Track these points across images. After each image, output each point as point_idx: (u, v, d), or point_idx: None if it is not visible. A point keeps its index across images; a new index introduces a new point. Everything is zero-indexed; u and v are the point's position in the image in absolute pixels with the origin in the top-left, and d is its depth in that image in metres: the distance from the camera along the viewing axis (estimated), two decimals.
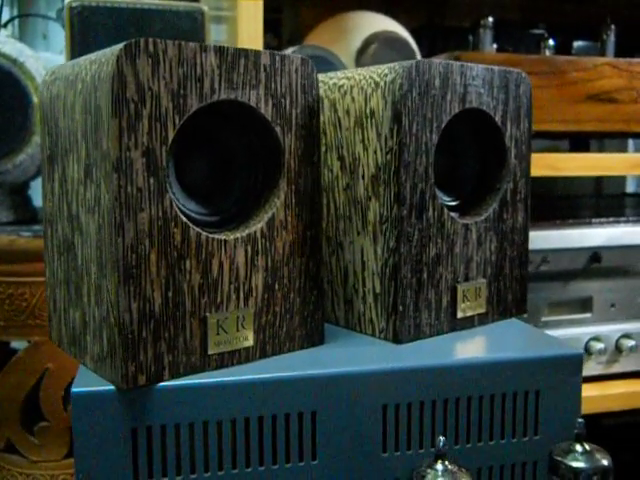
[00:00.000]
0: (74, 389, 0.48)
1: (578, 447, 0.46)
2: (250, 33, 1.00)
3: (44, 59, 1.06)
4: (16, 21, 1.40)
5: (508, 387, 0.55)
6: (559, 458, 0.46)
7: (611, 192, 1.70)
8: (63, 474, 0.99)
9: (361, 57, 1.11)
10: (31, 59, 0.99)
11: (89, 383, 0.49)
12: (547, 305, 1.04)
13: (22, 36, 1.42)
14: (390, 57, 1.10)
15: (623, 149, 1.63)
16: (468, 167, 0.65)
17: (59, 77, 0.53)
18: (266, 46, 1.03)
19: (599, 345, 1.04)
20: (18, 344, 1.08)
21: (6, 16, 1.31)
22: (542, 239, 1.01)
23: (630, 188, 1.73)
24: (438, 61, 0.58)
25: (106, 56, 0.46)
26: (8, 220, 1.04)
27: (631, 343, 1.04)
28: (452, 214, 0.61)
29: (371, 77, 0.58)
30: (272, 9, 1.30)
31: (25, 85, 0.98)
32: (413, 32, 1.23)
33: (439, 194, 0.60)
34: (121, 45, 0.46)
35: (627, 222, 1.08)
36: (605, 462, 0.45)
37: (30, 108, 0.98)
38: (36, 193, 1.13)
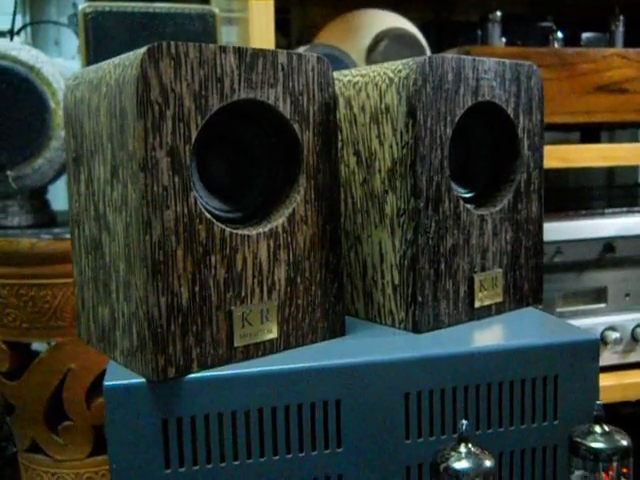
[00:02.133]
0: (106, 383, 0.49)
1: (597, 429, 0.47)
2: (262, 34, 1.01)
3: (59, 65, 1.08)
4: (29, 28, 1.42)
5: (527, 373, 0.56)
6: (579, 440, 0.47)
7: (624, 182, 1.70)
8: (88, 472, 1.01)
9: (371, 54, 1.13)
10: (47, 65, 1.01)
11: (120, 377, 0.50)
12: (562, 296, 1.05)
13: (35, 43, 1.44)
14: (400, 53, 1.11)
15: (635, 139, 1.63)
16: (482, 159, 0.66)
17: (82, 81, 0.55)
18: (276, 46, 1.04)
19: (615, 335, 1.04)
20: (39, 346, 1.10)
21: (18, 24, 1.33)
22: (555, 230, 1.02)
23: None
24: (450, 56, 0.59)
25: (130, 60, 0.48)
26: (28, 224, 1.06)
27: None
28: (467, 206, 0.62)
29: (385, 73, 0.59)
30: (280, 9, 1.32)
31: (42, 91, 1.00)
32: (421, 28, 1.24)
33: (454, 186, 0.62)
34: (144, 49, 0.47)
35: None
36: (624, 442, 0.46)
37: (47, 113, 1.00)
38: (54, 197, 1.15)
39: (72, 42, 1.42)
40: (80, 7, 1.00)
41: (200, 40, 1.02)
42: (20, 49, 1.01)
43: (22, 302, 0.95)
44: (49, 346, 0.98)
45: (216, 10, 1.04)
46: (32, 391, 0.98)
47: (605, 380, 1.05)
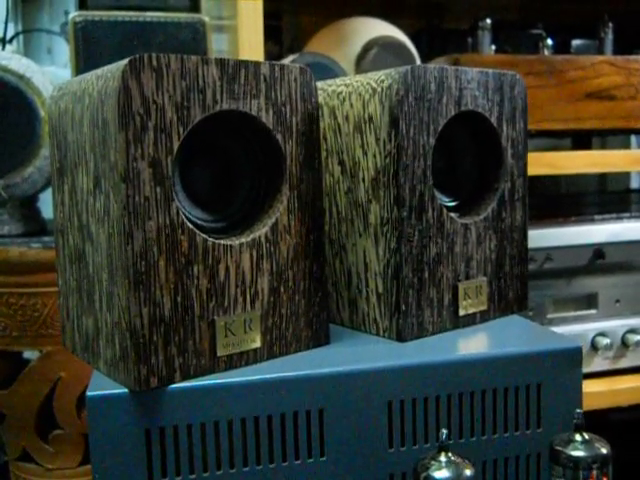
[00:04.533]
0: (89, 393, 0.49)
1: (578, 437, 0.47)
2: (251, 41, 1.02)
3: (49, 73, 1.08)
4: (21, 37, 1.43)
5: (510, 381, 0.56)
6: (559, 448, 0.47)
7: (615, 189, 1.71)
8: None
9: (361, 63, 1.13)
10: (37, 74, 1.01)
11: (103, 387, 0.50)
12: (552, 302, 1.05)
13: (27, 51, 1.44)
14: (389, 62, 1.12)
15: (626, 146, 1.64)
16: (466, 168, 0.67)
17: (67, 92, 0.55)
18: (267, 53, 1.05)
19: (605, 341, 1.04)
20: (30, 354, 1.09)
21: (11, 32, 1.34)
22: (545, 237, 1.02)
23: (635, 184, 1.74)
24: (433, 66, 0.59)
25: (112, 71, 0.48)
26: (18, 232, 1.06)
27: (637, 338, 1.05)
28: (451, 214, 0.62)
29: (368, 83, 0.60)
30: (272, 16, 1.32)
31: (32, 100, 1.00)
32: (412, 36, 1.24)
33: (438, 195, 0.62)
34: (126, 61, 0.47)
35: (630, 218, 1.09)
36: (604, 451, 0.47)
37: (37, 122, 1.00)
38: (45, 205, 1.15)
39: (64, 50, 1.43)
40: (70, 16, 1.00)
41: (190, 49, 1.03)
42: (10, 58, 1.02)
43: (12, 311, 0.95)
44: (41, 354, 0.98)
45: (206, 18, 1.04)
46: (23, 400, 0.98)
47: (596, 386, 1.05)
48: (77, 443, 0.99)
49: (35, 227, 1.08)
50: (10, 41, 1.31)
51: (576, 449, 0.47)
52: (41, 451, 0.99)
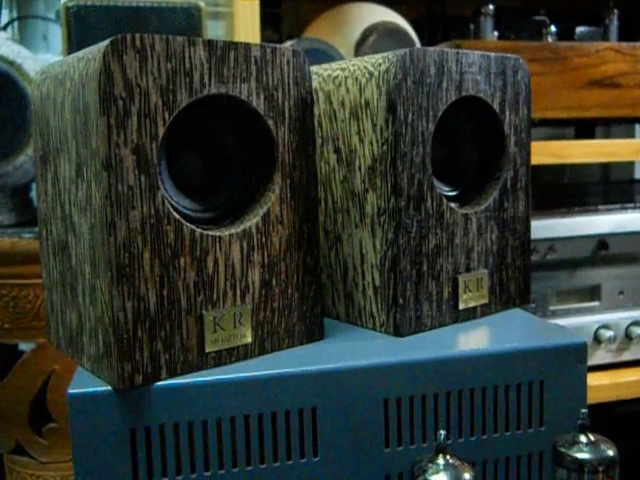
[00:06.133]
0: (70, 390, 0.47)
1: (582, 438, 0.45)
2: (247, 28, 1.00)
3: (44, 60, 1.06)
4: (16, 23, 1.40)
5: (511, 378, 0.54)
6: (564, 450, 0.45)
7: (619, 179, 1.69)
8: (72, 475, 0.99)
9: (360, 49, 1.11)
10: (29, 60, 0.99)
11: (86, 384, 0.48)
12: (555, 294, 1.04)
13: (22, 38, 1.42)
14: (389, 48, 1.09)
15: (630, 135, 1.61)
16: (467, 156, 0.64)
17: (49, 76, 0.53)
18: (266, 41, 1.02)
19: (608, 333, 1.03)
20: (26, 346, 1.08)
21: (5, 18, 1.32)
22: (549, 228, 1.01)
23: (639, 174, 1.72)
24: (433, 49, 0.57)
25: (93, 53, 0.46)
26: (10, 222, 1.04)
27: None
28: (451, 204, 0.60)
29: (365, 67, 0.57)
30: (271, 4, 1.30)
31: (23, 87, 0.98)
32: (414, 22, 1.22)
33: (437, 184, 0.60)
34: (107, 41, 0.45)
35: (634, 208, 1.07)
36: (610, 452, 0.44)
37: (28, 109, 0.98)
38: None
39: (60, 37, 1.40)
40: (62, 1, 0.98)
41: (185, 34, 1.00)
42: (1, 44, 0.99)
43: (3, 302, 0.94)
44: (34, 346, 0.97)
45: (202, 4, 1.02)
46: (16, 393, 0.96)
47: (599, 379, 1.04)
48: (71, 436, 0.97)
49: (27, 217, 1.07)
50: (5, 28, 1.29)
51: (581, 451, 0.45)
52: (35, 444, 0.98)
